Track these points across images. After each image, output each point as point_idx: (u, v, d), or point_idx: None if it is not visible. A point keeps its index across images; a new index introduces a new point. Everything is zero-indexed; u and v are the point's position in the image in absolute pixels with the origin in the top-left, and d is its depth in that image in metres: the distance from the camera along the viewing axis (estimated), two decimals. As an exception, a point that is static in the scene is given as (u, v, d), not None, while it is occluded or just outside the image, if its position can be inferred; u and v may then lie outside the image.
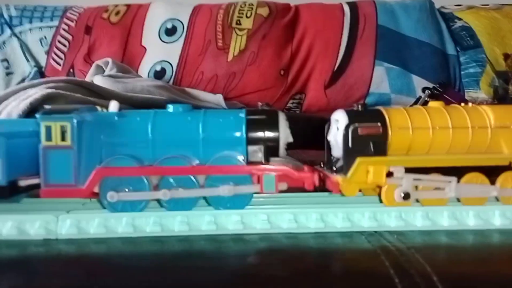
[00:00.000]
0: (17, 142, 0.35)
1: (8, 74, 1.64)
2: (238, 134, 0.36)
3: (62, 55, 1.67)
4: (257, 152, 0.36)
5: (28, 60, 1.66)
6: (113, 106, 0.36)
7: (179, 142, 0.36)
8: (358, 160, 0.36)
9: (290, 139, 0.38)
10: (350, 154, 0.37)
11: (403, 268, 0.30)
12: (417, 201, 0.39)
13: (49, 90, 1.10)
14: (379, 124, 0.37)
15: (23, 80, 1.65)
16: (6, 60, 1.66)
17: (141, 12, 1.62)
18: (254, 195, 0.37)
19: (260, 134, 0.36)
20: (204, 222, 0.35)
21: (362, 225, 0.37)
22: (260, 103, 0.38)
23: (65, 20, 1.70)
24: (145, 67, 1.62)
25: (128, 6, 1.66)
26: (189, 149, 0.36)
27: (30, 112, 0.96)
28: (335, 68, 1.34)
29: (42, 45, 1.69)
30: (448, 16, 1.42)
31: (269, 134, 0.37)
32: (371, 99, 1.31)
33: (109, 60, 1.54)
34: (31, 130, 0.35)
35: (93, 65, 1.56)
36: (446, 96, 0.98)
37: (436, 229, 0.37)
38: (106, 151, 0.35)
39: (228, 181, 0.36)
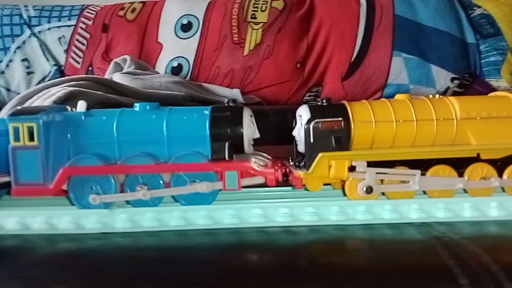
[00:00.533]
0: None
1: (28, 73, 1.68)
2: (201, 131, 0.37)
3: (80, 54, 1.70)
4: (221, 149, 0.37)
5: (47, 59, 1.70)
6: (80, 105, 0.38)
7: (144, 140, 0.37)
8: (320, 155, 0.37)
9: (257, 135, 0.39)
10: (312, 149, 0.37)
11: (460, 258, 0.30)
12: (383, 194, 0.39)
13: (71, 88, 1.12)
14: (340, 119, 0.38)
15: (43, 79, 1.69)
16: (26, 59, 1.70)
17: (157, 8, 1.66)
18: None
19: (223, 131, 0.38)
20: (252, 215, 0.37)
21: (410, 217, 0.38)
22: (226, 100, 0.39)
23: (82, 19, 1.73)
24: (162, 64, 1.64)
25: (144, 3, 1.69)
26: (154, 147, 0.37)
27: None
28: (352, 60, 1.33)
29: (61, 44, 1.73)
30: (467, 4, 1.39)
31: (233, 130, 0.38)
32: (389, 90, 1.29)
33: (127, 57, 1.57)
34: (3, 129, 0.37)
35: (112, 63, 1.59)
36: (475, 86, 0.97)
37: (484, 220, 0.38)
38: (74, 150, 0.37)
39: (193, 178, 0.37)
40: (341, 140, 0.37)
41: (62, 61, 1.72)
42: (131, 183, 0.37)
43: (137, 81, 1.38)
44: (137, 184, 0.37)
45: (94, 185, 0.37)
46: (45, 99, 1.10)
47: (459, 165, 0.40)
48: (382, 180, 0.39)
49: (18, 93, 1.67)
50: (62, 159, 0.37)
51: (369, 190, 0.38)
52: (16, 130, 0.36)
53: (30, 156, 0.36)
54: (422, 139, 0.39)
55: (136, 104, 0.38)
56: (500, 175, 0.39)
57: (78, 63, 1.71)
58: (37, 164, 0.36)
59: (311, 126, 0.37)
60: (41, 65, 1.71)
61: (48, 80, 1.71)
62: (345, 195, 0.39)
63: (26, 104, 1.15)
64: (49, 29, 1.72)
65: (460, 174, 0.39)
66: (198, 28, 1.59)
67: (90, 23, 1.73)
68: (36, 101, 1.13)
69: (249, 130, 0.38)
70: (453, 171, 0.39)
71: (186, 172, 0.37)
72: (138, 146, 0.37)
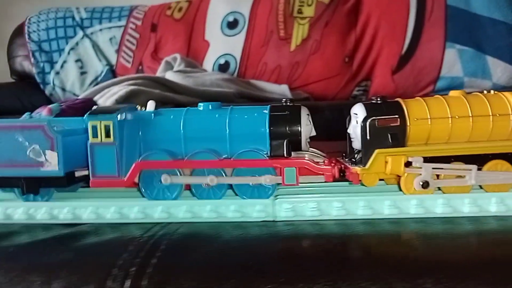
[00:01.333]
0: (72, 139, 0.41)
1: (82, 73, 1.77)
2: (261, 129, 0.40)
3: (131, 53, 1.78)
4: (280, 146, 0.40)
5: (100, 60, 1.78)
6: (150, 105, 0.42)
7: (208, 138, 0.40)
8: (376, 151, 0.39)
9: (313, 133, 0.42)
10: (369, 146, 0.40)
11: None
12: (439, 189, 0.41)
13: (132, 87, 1.19)
14: (396, 116, 0.40)
15: (96, 79, 1.77)
16: (79, 60, 1.79)
17: (203, 6, 1.67)
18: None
19: (282, 129, 0.40)
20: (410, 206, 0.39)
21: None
22: (283, 99, 0.42)
23: (132, 19, 1.79)
24: (209, 61, 1.66)
25: (190, 1, 1.70)
26: (217, 144, 0.40)
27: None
28: (403, 53, 1.31)
29: (112, 45, 1.80)
30: (523, -8, 1.36)
31: (290, 129, 0.40)
32: (442, 83, 1.28)
33: (178, 56, 1.62)
34: (83, 128, 0.41)
35: (163, 62, 1.65)
36: None
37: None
38: (144, 146, 0.41)
39: (253, 173, 0.40)
40: (397, 137, 0.39)
41: (113, 61, 1.80)
42: (199, 174, 0.41)
43: (189, 79, 1.42)
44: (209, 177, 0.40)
45: (166, 179, 0.40)
46: (108, 98, 1.18)
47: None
48: (437, 176, 0.40)
49: (73, 93, 1.76)
50: (134, 154, 0.40)
51: (426, 184, 0.39)
52: (95, 128, 0.39)
53: (107, 152, 0.40)
54: (478, 134, 0.40)
55: (200, 104, 0.41)
56: None
57: (129, 62, 1.78)
58: (112, 159, 0.40)
59: (367, 123, 0.39)
60: (93, 65, 1.79)
61: (101, 80, 1.81)
62: (400, 190, 0.41)
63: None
64: (100, 30, 1.80)
65: None
66: (244, 25, 1.60)
67: (139, 23, 1.80)
68: (100, 100, 1.20)
69: (307, 128, 0.41)
70: (510, 166, 0.40)
71: (247, 167, 0.40)
72: (203, 143, 0.40)
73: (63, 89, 1.78)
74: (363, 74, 1.36)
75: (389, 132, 0.39)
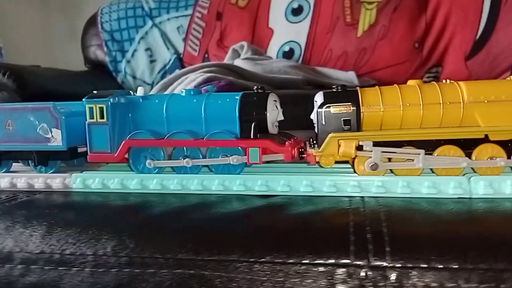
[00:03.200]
0: (74, 119, 0.50)
1: (151, 61, 1.89)
2: (232, 113, 0.47)
3: (197, 42, 1.86)
4: (248, 129, 0.46)
5: (168, 48, 1.89)
6: (140, 90, 0.50)
7: (187, 120, 0.48)
8: (330, 135, 0.44)
9: (280, 117, 0.48)
10: (324, 130, 0.45)
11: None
12: (391, 171, 0.46)
13: (208, 74, 1.25)
14: (350, 103, 0.45)
15: (164, 67, 1.88)
16: (149, 49, 1.90)
17: (267, -6, 1.69)
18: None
19: (250, 113, 0.47)
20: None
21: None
22: (255, 87, 0.48)
23: (198, 8, 1.88)
24: (274, 49, 1.70)
25: (254, -11, 1.72)
26: (194, 126, 0.47)
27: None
28: (477, 38, 1.28)
29: (179, 33, 1.90)
30: None
31: (257, 113, 0.47)
32: (520, 69, 1.25)
33: (245, 44, 1.68)
34: (82, 111, 0.50)
35: (230, 49, 1.72)
36: None
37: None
38: (133, 126, 0.49)
39: (225, 152, 0.47)
40: (349, 123, 0.44)
41: (180, 49, 1.90)
42: (177, 154, 0.48)
43: (257, 66, 1.47)
44: (182, 156, 0.48)
45: (148, 155, 0.48)
46: (186, 84, 1.23)
47: (468, 146, 0.44)
48: (389, 159, 0.45)
49: (143, 81, 1.89)
50: (124, 133, 0.49)
51: (375, 166, 0.44)
52: (91, 110, 0.48)
53: (101, 130, 0.48)
54: (429, 121, 0.44)
55: (182, 90, 0.49)
56: (509, 156, 0.43)
57: (195, 51, 1.87)
58: (106, 137, 0.48)
59: (323, 110, 0.45)
60: (162, 54, 1.90)
61: (169, 68, 1.92)
62: (354, 171, 0.46)
63: (169, 90, 1.28)
64: (168, 19, 1.90)
65: (470, 155, 0.44)
66: (309, 11, 1.63)
67: (205, 12, 1.88)
68: (178, 87, 1.27)
69: (273, 113, 0.47)
70: (459, 151, 0.44)
71: (218, 147, 0.47)
72: (182, 124, 0.48)
73: (134, 77, 1.90)
74: (433, 60, 1.35)
75: (342, 118, 0.45)
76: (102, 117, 0.48)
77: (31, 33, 2.24)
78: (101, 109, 0.47)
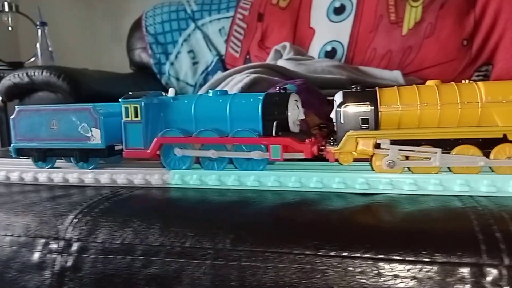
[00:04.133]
0: (111, 119, 0.54)
1: (194, 63, 1.94)
2: (255, 112, 0.50)
3: (238, 43, 1.90)
4: (270, 127, 0.49)
5: (210, 50, 1.93)
6: (171, 91, 0.54)
7: (213, 119, 0.51)
8: (347, 133, 0.47)
9: (302, 117, 0.51)
10: (342, 129, 0.47)
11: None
12: (409, 169, 0.47)
13: (255, 75, 1.27)
14: (368, 102, 0.47)
15: (206, 68, 1.93)
16: (192, 51, 1.95)
17: (308, -6, 1.69)
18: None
19: (272, 112, 0.50)
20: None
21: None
22: (277, 87, 0.51)
23: (239, 10, 1.91)
24: (315, 49, 1.71)
25: (295, -11, 1.72)
26: (220, 124, 0.51)
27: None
28: None
29: (221, 35, 1.94)
30: None
31: (279, 113, 0.50)
32: None
33: (287, 44, 1.70)
34: (119, 111, 0.54)
35: (272, 50, 1.74)
36: None
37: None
38: (164, 125, 0.53)
39: (249, 149, 0.50)
40: (367, 121, 0.47)
41: (222, 51, 1.94)
42: (206, 149, 0.52)
43: (301, 66, 1.49)
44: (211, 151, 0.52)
45: (178, 151, 0.52)
46: (233, 85, 1.27)
47: (487, 146, 0.46)
48: (407, 157, 0.47)
49: (186, 82, 1.94)
50: (156, 131, 0.52)
51: (392, 164, 0.46)
52: (127, 109, 0.52)
53: (135, 128, 0.52)
54: (446, 121, 0.46)
55: (210, 91, 0.52)
56: None
57: (237, 52, 1.91)
58: (140, 134, 0.52)
59: (341, 109, 0.47)
60: (204, 56, 1.95)
61: (211, 69, 1.96)
62: (372, 168, 0.48)
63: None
64: (210, 21, 1.95)
65: (488, 154, 0.45)
66: (351, 10, 1.63)
67: (246, 13, 1.92)
68: (226, 87, 1.30)
69: (294, 112, 0.49)
70: (477, 151, 0.45)
71: (242, 144, 0.50)
72: (209, 123, 0.51)
73: (177, 79, 1.95)
74: (483, 58, 1.32)
75: (360, 117, 0.47)
76: (136, 116, 0.52)
77: (78, 37, 2.36)
78: (136, 109, 0.52)
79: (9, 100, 1.62)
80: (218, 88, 1.39)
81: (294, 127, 0.50)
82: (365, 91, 0.48)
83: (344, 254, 0.36)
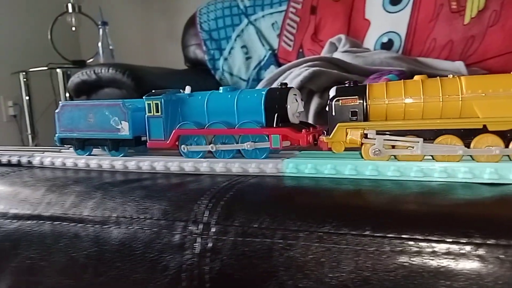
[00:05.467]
0: (138, 114, 0.63)
1: (247, 58, 2.01)
2: (259, 106, 0.57)
3: (291, 37, 1.95)
4: (271, 119, 0.56)
5: (263, 45, 1.99)
6: (187, 89, 0.62)
7: (223, 112, 0.59)
8: (338, 125, 0.53)
9: (300, 109, 0.57)
10: (334, 120, 0.53)
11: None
12: (395, 157, 0.53)
13: (314, 69, 1.34)
14: (356, 97, 0.52)
15: (259, 63, 1.99)
16: (245, 46, 2.02)
17: (363, -15, 1.71)
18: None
19: (273, 106, 0.56)
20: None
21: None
22: (279, 83, 0.58)
23: (292, 3, 1.95)
24: (371, 40, 1.73)
25: (353, -18, 1.73)
26: (229, 117, 0.58)
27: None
28: None
29: (274, 30, 2.00)
30: None
31: (279, 106, 0.56)
32: None
33: (342, 36, 1.73)
34: (143, 107, 0.63)
35: (327, 43, 1.78)
36: None
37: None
38: (181, 118, 0.61)
39: (254, 139, 0.57)
40: (356, 114, 0.52)
41: (275, 45, 2.00)
42: (216, 141, 0.59)
43: (358, 58, 1.53)
44: (220, 142, 0.59)
45: (193, 142, 0.60)
46: (292, 79, 1.34)
47: (468, 136, 0.50)
48: (393, 146, 0.52)
49: (239, 77, 2.02)
50: (174, 124, 0.61)
51: (378, 152, 0.52)
52: (149, 105, 0.61)
53: (157, 122, 0.61)
54: (429, 113, 0.50)
55: (221, 87, 0.60)
56: (507, 145, 0.49)
57: (290, 46, 1.96)
58: (160, 127, 0.61)
59: (333, 102, 0.53)
60: (257, 51, 2.02)
61: (264, 64, 2.03)
62: (362, 156, 0.54)
63: (274, 84, 1.39)
64: (263, 16, 2.01)
65: (469, 144, 0.50)
66: (409, 0, 1.63)
67: (299, 7, 1.96)
68: (284, 81, 1.37)
69: (293, 105, 0.56)
70: (458, 140, 0.50)
71: (247, 134, 0.57)
72: (219, 116, 0.59)
73: (231, 74, 2.02)
74: None
75: (349, 110, 0.53)
76: (157, 111, 0.60)
77: (135, 35, 2.51)
78: (157, 105, 0.60)
79: (77, 96, 1.75)
80: (276, 82, 1.43)
81: (293, 118, 0.56)
82: (357, 86, 0.53)
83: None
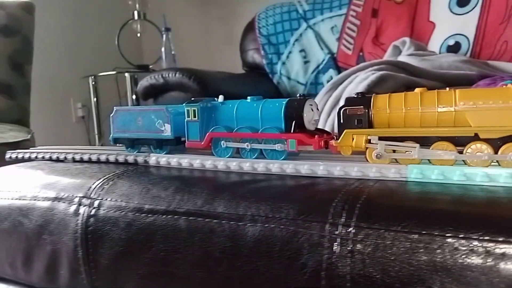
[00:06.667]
0: (179, 117, 0.75)
1: (305, 62, 2.10)
2: (279, 114, 0.67)
3: (351, 40, 2.02)
4: (289, 126, 0.66)
5: (322, 48, 2.07)
6: (220, 98, 0.73)
7: (249, 119, 0.70)
8: (345, 131, 0.62)
9: (316, 117, 0.67)
10: (342, 127, 0.63)
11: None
12: (396, 160, 0.61)
13: (382, 72, 1.37)
14: (362, 107, 0.62)
15: (317, 67, 2.07)
16: (303, 50, 2.11)
17: (428, -13, 1.73)
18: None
19: (291, 114, 0.67)
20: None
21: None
22: (298, 94, 0.68)
23: (352, 7, 2.02)
24: (436, 43, 1.76)
25: (413, -16, 1.77)
26: (254, 123, 0.69)
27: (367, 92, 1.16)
28: None
29: (333, 33, 2.07)
30: None
31: (296, 114, 0.66)
32: None
33: (407, 39, 1.76)
34: (183, 111, 0.75)
35: (391, 46, 1.81)
36: None
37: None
38: (214, 123, 0.73)
39: (275, 142, 0.68)
40: (361, 122, 0.62)
41: (334, 49, 2.08)
42: (243, 142, 0.71)
43: (425, 62, 1.56)
44: (246, 144, 0.70)
45: (223, 143, 0.72)
46: (358, 83, 1.37)
47: (463, 143, 0.58)
48: (394, 151, 0.61)
49: (297, 81, 2.11)
50: (208, 128, 0.72)
51: (379, 156, 0.61)
52: (188, 111, 0.73)
53: (194, 126, 0.73)
54: (427, 122, 0.59)
55: (248, 97, 0.71)
56: (496, 151, 0.56)
57: (349, 49, 2.03)
58: (197, 130, 0.73)
59: (341, 111, 0.63)
60: (315, 54, 2.10)
61: (322, 68, 2.11)
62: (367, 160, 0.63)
63: (340, 88, 1.44)
64: (322, 20, 2.09)
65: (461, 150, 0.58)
66: (477, 1, 1.65)
67: (359, 10, 2.02)
68: (350, 85, 1.42)
69: (308, 114, 0.66)
70: (452, 146, 0.58)
71: (268, 138, 0.68)
72: (246, 122, 0.70)
73: (289, 78, 2.11)
74: None
75: (355, 118, 0.62)
76: (194, 116, 0.72)
77: (194, 40, 2.67)
78: (194, 111, 0.72)
79: (145, 99, 1.90)
80: (341, 86, 1.47)
81: (309, 125, 0.66)
82: (363, 97, 0.63)
83: None
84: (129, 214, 0.60)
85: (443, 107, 0.58)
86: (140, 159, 0.77)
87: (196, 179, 0.66)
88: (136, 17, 2.52)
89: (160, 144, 0.76)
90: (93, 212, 0.63)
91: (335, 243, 0.47)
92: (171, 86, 1.80)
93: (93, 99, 2.62)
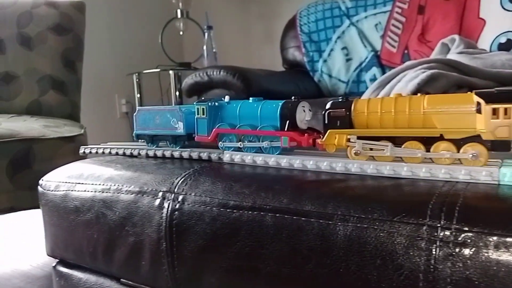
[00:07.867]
0: (191, 116, 0.89)
1: (347, 60, 2.18)
2: (275, 114, 0.80)
3: (396, 38, 2.07)
4: (283, 124, 0.79)
5: (365, 46, 2.14)
6: (226, 98, 0.87)
7: (250, 117, 0.82)
8: (329, 131, 0.74)
9: (308, 118, 0.79)
10: (326, 127, 0.75)
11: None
12: (372, 157, 0.73)
13: (433, 71, 1.35)
14: (343, 109, 0.73)
15: (360, 65, 2.14)
16: (345, 47, 2.18)
17: (478, -17, 1.76)
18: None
19: (285, 114, 0.79)
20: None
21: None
22: (293, 97, 0.80)
23: (397, 3, 2.05)
24: (486, 41, 1.80)
25: (459, -20, 1.79)
26: (254, 121, 0.82)
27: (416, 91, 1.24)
28: None
29: (377, 31, 2.13)
30: None
31: (290, 114, 0.79)
32: None
33: (456, 37, 1.75)
34: (193, 110, 0.89)
35: (439, 43, 1.81)
36: None
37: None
38: (220, 120, 0.86)
39: (271, 139, 0.81)
40: (343, 123, 0.73)
41: (378, 46, 2.14)
42: (244, 139, 0.84)
43: (476, 60, 1.58)
44: (246, 140, 0.83)
45: (227, 139, 0.85)
46: (407, 82, 1.38)
47: (430, 142, 0.69)
48: (371, 149, 0.72)
49: (338, 79, 2.19)
50: (215, 124, 0.86)
51: (357, 153, 0.72)
52: (198, 109, 0.86)
53: (203, 123, 0.86)
54: (399, 123, 0.70)
55: (250, 98, 0.84)
56: (458, 150, 0.67)
57: (394, 47, 2.10)
58: (205, 126, 0.86)
59: (325, 114, 0.75)
60: (358, 52, 2.17)
61: (365, 66, 2.18)
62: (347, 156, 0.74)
63: (387, 87, 1.48)
64: (365, 17, 2.16)
65: (429, 149, 0.69)
66: None
67: (405, 6, 2.07)
68: (398, 84, 1.45)
69: (301, 115, 0.78)
70: (420, 145, 0.69)
71: (266, 135, 0.81)
72: (248, 120, 0.83)
73: (330, 76, 2.19)
74: None
75: (338, 120, 0.74)
76: (203, 114, 0.86)
77: (234, 38, 2.81)
78: (203, 109, 0.85)
79: (189, 97, 2.02)
80: (388, 85, 1.51)
81: (301, 124, 0.78)
82: (345, 101, 0.74)
83: None
84: (214, 209, 0.64)
85: (413, 110, 0.68)
86: (214, 156, 0.82)
87: (276, 177, 0.70)
88: (179, 15, 2.68)
89: (175, 140, 0.90)
90: (177, 206, 0.68)
91: (434, 246, 0.48)
92: (215, 84, 1.91)
93: (137, 96, 2.80)
